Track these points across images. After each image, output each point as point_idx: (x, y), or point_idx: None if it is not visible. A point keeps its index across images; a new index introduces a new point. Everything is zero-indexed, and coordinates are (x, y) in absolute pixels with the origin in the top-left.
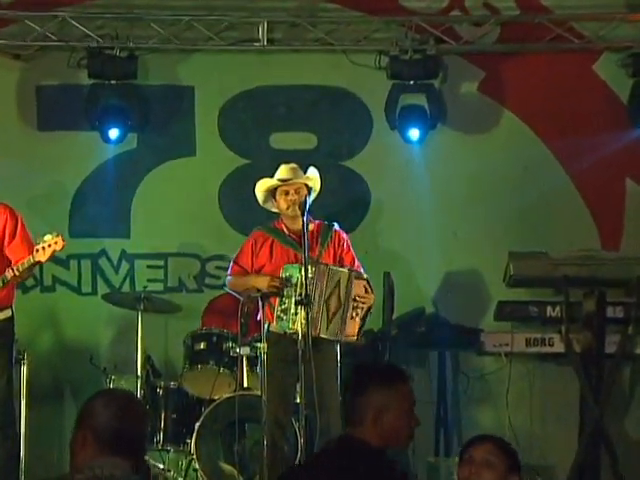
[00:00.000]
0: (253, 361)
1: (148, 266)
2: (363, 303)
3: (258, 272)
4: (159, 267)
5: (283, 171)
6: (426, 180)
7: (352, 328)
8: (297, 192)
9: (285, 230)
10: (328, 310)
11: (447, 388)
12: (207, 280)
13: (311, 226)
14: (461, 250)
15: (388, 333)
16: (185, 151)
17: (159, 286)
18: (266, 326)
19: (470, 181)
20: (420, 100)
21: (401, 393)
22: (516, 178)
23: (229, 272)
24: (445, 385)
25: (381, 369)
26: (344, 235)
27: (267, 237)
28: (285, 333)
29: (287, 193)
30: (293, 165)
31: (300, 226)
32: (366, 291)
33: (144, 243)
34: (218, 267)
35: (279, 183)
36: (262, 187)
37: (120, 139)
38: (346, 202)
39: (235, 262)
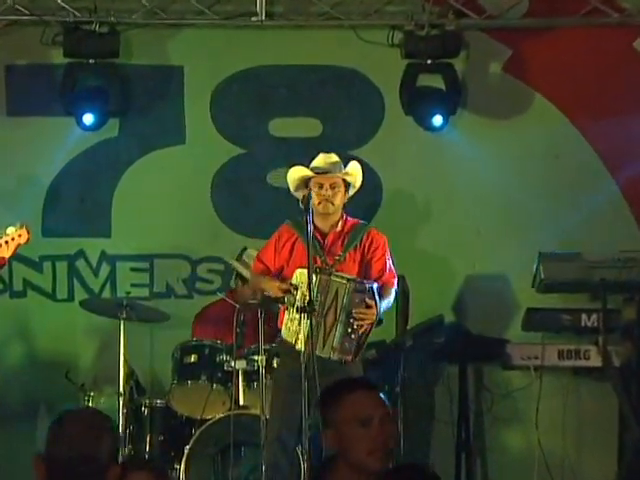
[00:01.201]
0: (250, 376)
1: (132, 269)
2: (362, 320)
3: (280, 272)
4: (144, 270)
5: (320, 161)
6: (445, 172)
7: (346, 347)
8: (332, 187)
9: (311, 230)
10: (325, 325)
11: (469, 407)
12: (198, 285)
13: (340, 224)
14: (485, 250)
15: (402, 344)
16: (173, 139)
17: (144, 291)
18: (280, 332)
19: (495, 173)
20: (438, 82)
21: (345, 405)
22: (547, 169)
23: (252, 270)
24: (467, 403)
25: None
26: (381, 238)
27: (292, 234)
28: (295, 344)
29: (321, 187)
30: (332, 156)
31: (331, 225)
32: (367, 306)
33: (127, 243)
34: (210, 270)
35: (312, 174)
36: (295, 174)
37: (99, 126)
38: (355, 196)
39: (258, 258)
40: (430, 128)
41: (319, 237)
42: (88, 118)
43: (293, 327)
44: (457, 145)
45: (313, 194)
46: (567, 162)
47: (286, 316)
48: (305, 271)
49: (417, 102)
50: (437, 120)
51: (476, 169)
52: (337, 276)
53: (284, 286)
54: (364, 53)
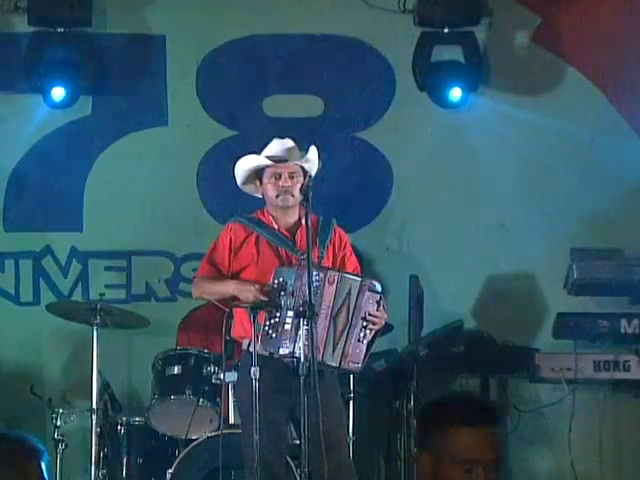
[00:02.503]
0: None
1: (106, 268)
2: (374, 324)
3: (236, 276)
4: (120, 269)
5: (275, 147)
6: (464, 156)
7: (357, 354)
8: (292, 177)
9: (274, 224)
10: (335, 329)
11: None
12: (182, 286)
13: (304, 220)
14: (510, 247)
15: (415, 354)
16: (154, 120)
17: (120, 293)
18: (245, 345)
19: (522, 157)
20: (457, 53)
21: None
22: (580, 152)
23: (198, 273)
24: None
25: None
26: (345, 234)
27: (249, 232)
28: (272, 355)
29: (278, 177)
30: (289, 141)
31: (293, 220)
32: (378, 308)
33: (101, 238)
34: (196, 269)
35: (268, 162)
36: (245, 164)
37: (70, 103)
38: (361, 185)
39: (207, 260)
40: (447, 106)
41: (286, 234)
42: (58, 93)
43: (276, 334)
44: (478, 126)
45: (269, 186)
46: (604, 145)
47: (266, 323)
48: (290, 268)
49: (433, 77)
50: (455, 97)
51: (500, 153)
52: (347, 273)
53: (266, 287)
54: (372, 21)
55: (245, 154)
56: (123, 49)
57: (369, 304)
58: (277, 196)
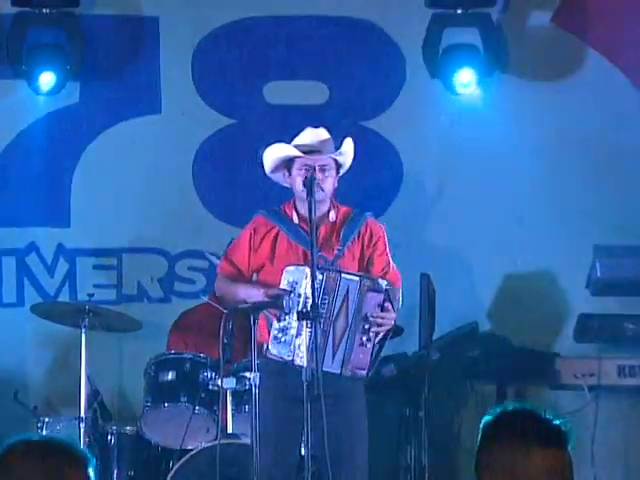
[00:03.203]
0: (240, 397)
1: (95, 266)
2: (379, 325)
3: (256, 274)
4: (110, 268)
5: (307, 137)
6: (480, 147)
7: (361, 359)
8: (322, 170)
9: (295, 219)
10: (334, 333)
11: None
12: (177, 285)
13: (332, 214)
14: (528, 243)
15: (427, 358)
16: (146, 107)
17: (110, 294)
18: (263, 350)
19: (540, 147)
20: (471, 36)
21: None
22: (604, 142)
23: (218, 270)
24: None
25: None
26: (380, 229)
27: (271, 227)
28: (284, 360)
29: (308, 169)
30: (323, 132)
31: (320, 214)
32: (383, 309)
33: (89, 234)
34: (192, 268)
35: (298, 153)
36: (274, 153)
37: (56, 90)
38: (369, 177)
39: (226, 257)
40: (461, 93)
41: (306, 228)
42: (47, 79)
43: (286, 338)
44: (494, 114)
45: (297, 178)
46: (629, 133)
47: (274, 326)
48: (297, 268)
49: (445, 62)
50: (470, 84)
51: (518, 143)
52: (346, 273)
53: (273, 291)
54: (380, 1)
55: (244, 144)
56: (113, 31)
57: (371, 305)
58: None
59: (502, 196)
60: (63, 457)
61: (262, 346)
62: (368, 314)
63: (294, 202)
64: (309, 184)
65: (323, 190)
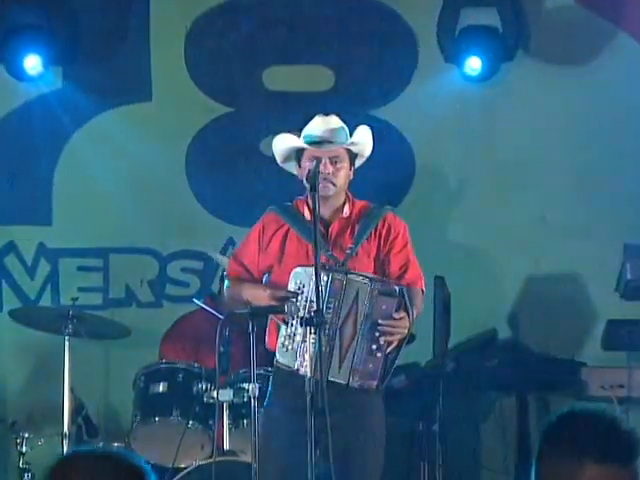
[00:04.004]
0: (238, 411)
1: (79, 267)
2: (391, 334)
3: (267, 275)
4: (96, 269)
5: (317, 126)
6: (498, 137)
7: (370, 369)
8: (334, 162)
9: (307, 215)
10: (341, 341)
11: (531, 449)
12: (169, 289)
13: (346, 209)
14: (552, 243)
15: (441, 368)
16: (135, 94)
17: (96, 298)
18: (275, 360)
19: (566, 137)
20: (490, 17)
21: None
22: (634, 131)
23: (227, 272)
24: (528, 445)
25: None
26: (400, 224)
27: (281, 223)
28: (291, 369)
29: (318, 161)
30: (334, 119)
31: (331, 210)
32: (395, 314)
33: (73, 233)
34: (185, 269)
35: (305, 146)
36: (281, 144)
37: (37, 75)
38: (378, 172)
39: (234, 258)
40: (478, 79)
41: (320, 226)
42: (32, 63)
43: (292, 345)
44: (515, 101)
45: (307, 170)
46: None
47: (282, 332)
48: (305, 270)
49: (461, 45)
50: (488, 68)
51: (541, 133)
52: (355, 274)
53: (279, 293)
54: None
55: (242, 134)
56: (99, 11)
57: (382, 310)
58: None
59: (524, 191)
60: (119, 471)
61: (274, 354)
62: (379, 320)
63: (306, 197)
64: (312, 177)
65: (334, 184)
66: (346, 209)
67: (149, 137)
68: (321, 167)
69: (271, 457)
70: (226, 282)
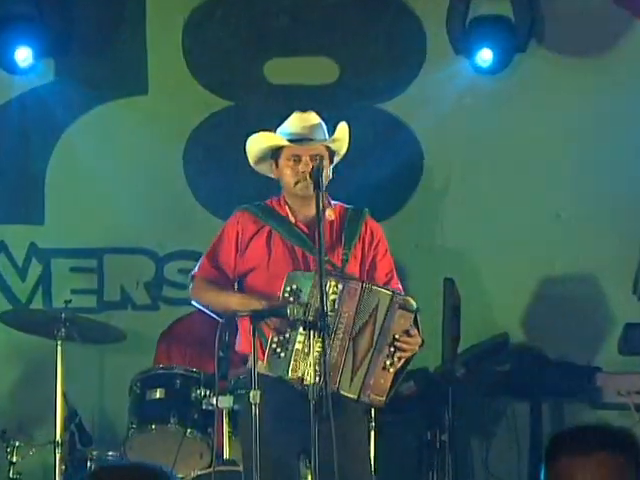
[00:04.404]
0: (238, 418)
1: (73, 269)
2: (404, 351)
3: (242, 279)
4: (90, 270)
5: (295, 123)
6: (511, 132)
7: (381, 385)
8: (313, 160)
9: (290, 217)
10: (355, 353)
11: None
12: (166, 290)
13: (329, 212)
14: (567, 243)
15: (451, 374)
16: (131, 88)
17: (90, 300)
18: (248, 363)
19: (581, 132)
20: (502, 6)
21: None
22: None
23: (196, 270)
24: (541, 456)
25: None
26: (379, 227)
27: (260, 225)
28: (281, 378)
29: (298, 160)
30: (313, 116)
31: (313, 212)
32: (409, 332)
33: (66, 232)
34: (182, 270)
35: (285, 142)
36: (257, 143)
37: (28, 67)
38: (384, 168)
39: (209, 258)
40: (490, 71)
41: (304, 229)
42: (23, 55)
43: (285, 353)
44: (528, 94)
45: (286, 170)
46: None
47: (273, 338)
48: (306, 274)
49: (472, 36)
50: (500, 60)
51: (555, 128)
52: (376, 285)
53: (277, 303)
54: None
55: (242, 129)
56: (93, 1)
57: (400, 325)
58: (296, 183)
59: (537, 189)
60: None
61: (247, 359)
62: (396, 335)
63: (283, 198)
64: (315, 174)
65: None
66: (330, 212)
67: (145, 132)
68: (301, 166)
69: (262, 466)
70: (192, 284)
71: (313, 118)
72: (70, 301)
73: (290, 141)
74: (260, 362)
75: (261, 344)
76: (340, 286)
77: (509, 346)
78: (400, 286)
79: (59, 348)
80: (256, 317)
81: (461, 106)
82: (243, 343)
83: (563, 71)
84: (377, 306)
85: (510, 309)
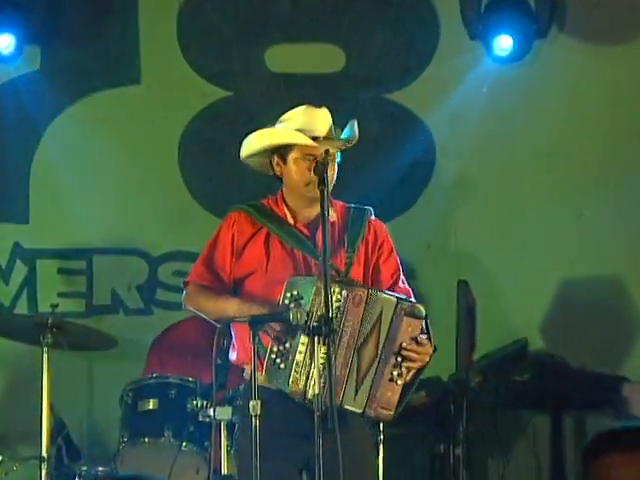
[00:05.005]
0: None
1: (60, 270)
2: (413, 361)
3: (239, 284)
4: (78, 272)
5: (310, 119)
6: (531, 124)
7: (389, 397)
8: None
9: (290, 218)
10: (359, 364)
11: (566, 475)
12: (159, 294)
13: (332, 213)
14: (590, 244)
15: (465, 383)
16: (122, 77)
17: (78, 305)
18: (247, 374)
19: (604, 125)
20: None
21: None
22: None
23: (189, 277)
24: (563, 470)
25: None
26: (383, 227)
27: (258, 227)
28: (280, 391)
29: (312, 159)
30: (326, 112)
31: (315, 212)
32: (417, 341)
33: (52, 232)
34: (178, 272)
35: (308, 141)
36: (269, 138)
37: (13, 55)
38: (394, 162)
39: (203, 262)
40: (508, 59)
41: (304, 231)
42: (6, 42)
43: (285, 364)
44: (548, 84)
45: (297, 168)
46: None
47: (272, 348)
48: (308, 279)
49: (488, 21)
50: (518, 47)
51: (577, 120)
52: (380, 291)
53: (279, 309)
54: None
55: (242, 121)
56: None
57: (407, 333)
58: (307, 184)
59: (559, 185)
60: None
61: (243, 370)
62: (403, 344)
63: (281, 197)
64: (320, 171)
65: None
66: (332, 213)
67: (138, 124)
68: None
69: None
70: (185, 291)
71: (328, 115)
72: (57, 305)
73: (313, 139)
74: (258, 374)
75: (259, 355)
76: (344, 293)
77: (528, 354)
78: (407, 286)
79: (45, 356)
80: (255, 323)
81: (476, 96)
82: (239, 353)
83: (586, 59)
84: (381, 314)
85: (529, 314)
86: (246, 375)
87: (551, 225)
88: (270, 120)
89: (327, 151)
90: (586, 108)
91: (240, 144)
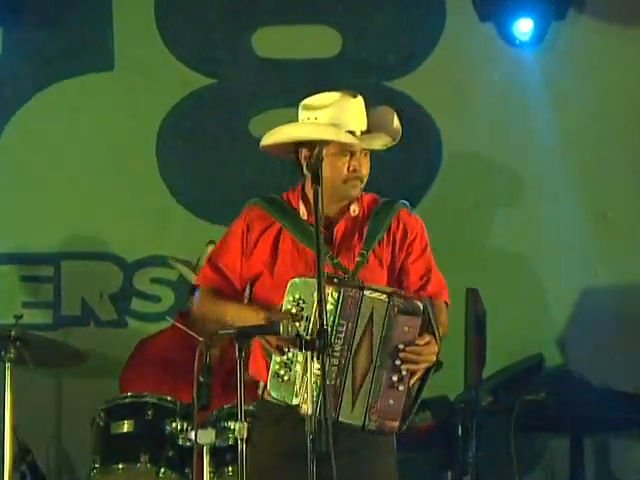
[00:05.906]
0: (221, 456)
1: (24, 278)
2: (415, 362)
3: (251, 287)
4: (45, 280)
5: (353, 112)
6: (548, 114)
7: (391, 406)
8: (365, 155)
9: (303, 213)
10: (355, 371)
11: None
12: (134, 304)
13: (354, 207)
14: (614, 246)
15: (475, 403)
16: (94, 62)
17: (45, 316)
18: (260, 389)
19: (628, 115)
20: None
21: None
22: None
23: (199, 280)
24: None
25: None
26: (418, 223)
27: (269, 221)
28: (288, 405)
29: (352, 155)
30: (360, 102)
31: (337, 208)
32: (419, 337)
33: (16, 235)
34: (155, 280)
35: (353, 141)
36: (313, 132)
37: None
38: (396, 157)
39: (210, 262)
40: (522, 43)
41: (323, 227)
42: None
43: (290, 376)
44: (565, 71)
45: (340, 164)
46: None
47: (275, 358)
48: (306, 282)
49: (504, 3)
50: (533, 29)
51: (598, 110)
52: (370, 289)
53: (277, 316)
54: None
55: (226, 111)
56: None
57: (404, 333)
58: (345, 181)
59: (579, 183)
60: None
61: (258, 384)
62: (400, 345)
63: (300, 190)
64: (315, 166)
65: (362, 182)
66: (354, 207)
67: (111, 115)
68: (354, 162)
69: None
70: (196, 293)
71: (363, 105)
72: (21, 316)
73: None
74: (270, 387)
75: (267, 365)
76: (336, 295)
77: (544, 370)
78: (439, 290)
79: (8, 372)
80: (240, 336)
81: (487, 83)
82: (252, 365)
83: (608, 42)
84: (372, 314)
85: (545, 325)
86: (259, 391)
87: (571, 227)
88: (257, 109)
89: (321, 148)
90: (608, 96)
91: (226, 138)
